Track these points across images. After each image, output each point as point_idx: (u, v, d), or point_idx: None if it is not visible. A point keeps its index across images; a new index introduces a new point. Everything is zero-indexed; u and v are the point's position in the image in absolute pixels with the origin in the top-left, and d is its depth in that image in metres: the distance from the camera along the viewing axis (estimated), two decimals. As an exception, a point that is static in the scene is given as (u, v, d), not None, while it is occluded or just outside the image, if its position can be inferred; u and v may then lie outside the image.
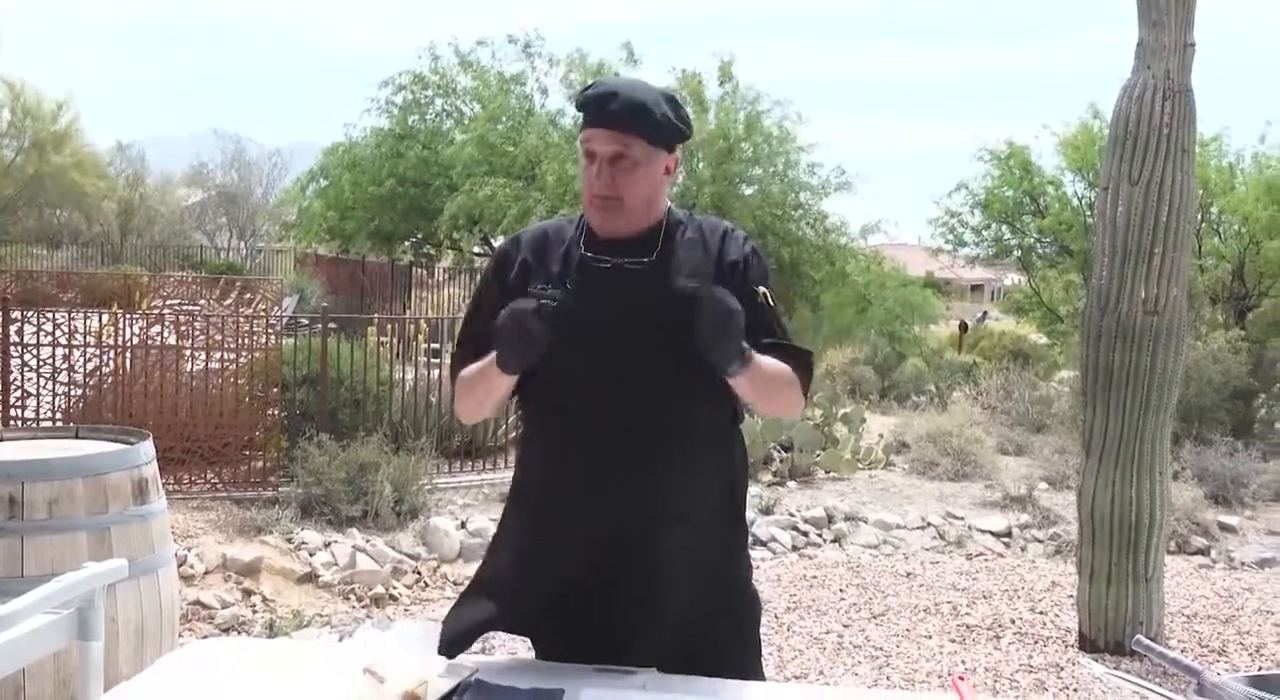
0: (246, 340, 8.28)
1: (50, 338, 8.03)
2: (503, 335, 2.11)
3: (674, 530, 2.21)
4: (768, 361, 2.16)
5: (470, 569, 6.84)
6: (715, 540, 2.29)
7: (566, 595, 2.23)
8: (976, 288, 36.89)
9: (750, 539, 5.02)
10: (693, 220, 2.30)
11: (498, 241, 17.61)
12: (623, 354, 2.16)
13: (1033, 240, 17.30)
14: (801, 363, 2.26)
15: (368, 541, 6.89)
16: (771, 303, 2.25)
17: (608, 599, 2.20)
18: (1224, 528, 8.44)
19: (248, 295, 13.97)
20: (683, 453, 2.21)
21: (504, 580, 2.30)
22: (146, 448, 4.15)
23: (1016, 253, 17.92)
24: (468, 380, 2.30)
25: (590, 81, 2.34)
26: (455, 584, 6.70)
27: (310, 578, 6.45)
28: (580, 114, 2.23)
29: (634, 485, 2.19)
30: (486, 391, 2.27)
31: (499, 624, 2.31)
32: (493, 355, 2.16)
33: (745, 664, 2.30)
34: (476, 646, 6.06)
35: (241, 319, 8.69)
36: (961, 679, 2.08)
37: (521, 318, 2.09)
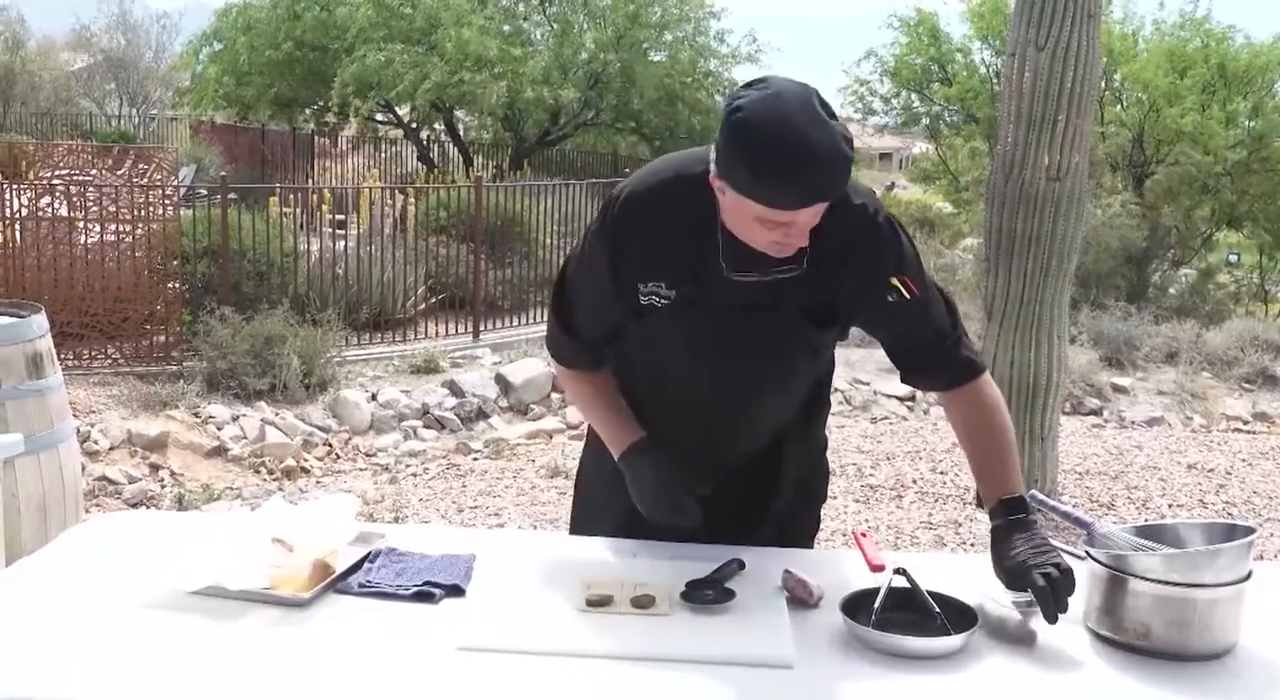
0: (143, 212, 8.02)
1: (-68, 210, 7.69)
2: (643, 499, 2.04)
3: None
4: (1013, 465, 2.04)
5: (382, 441, 6.84)
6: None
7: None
8: (885, 156, 37.04)
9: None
10: (837, 211, 1.89)
11: (402, 110, 17.13)
12: (742, 323, 2.00)
13: (940, 108, 17.39)
14: (971, 364, 2.08)
15: (277, 414, 6.83)
16: (911, 293, 2.00)
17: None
18: (1116, 389, 8.74)
19: (142, 165, 13.47)
20: (784, 394, 2.15)
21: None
22: (40, 321, 4.03)
23: (924, 121, 18.01)
24: (579, 401, 2.25)
25: (766, 149, 1.72)
26: (368, 455, 6.69)
27: (219, 452, 6.40)
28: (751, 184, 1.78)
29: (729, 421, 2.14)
30: (588, 417, 2.26)
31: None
32: (620, 436, 2.09)
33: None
34: (388, 515, 6.00)
35: (137, 189, 8.40)
36: (864, 535, 2.13)
37: (670, 514, 2.02)
